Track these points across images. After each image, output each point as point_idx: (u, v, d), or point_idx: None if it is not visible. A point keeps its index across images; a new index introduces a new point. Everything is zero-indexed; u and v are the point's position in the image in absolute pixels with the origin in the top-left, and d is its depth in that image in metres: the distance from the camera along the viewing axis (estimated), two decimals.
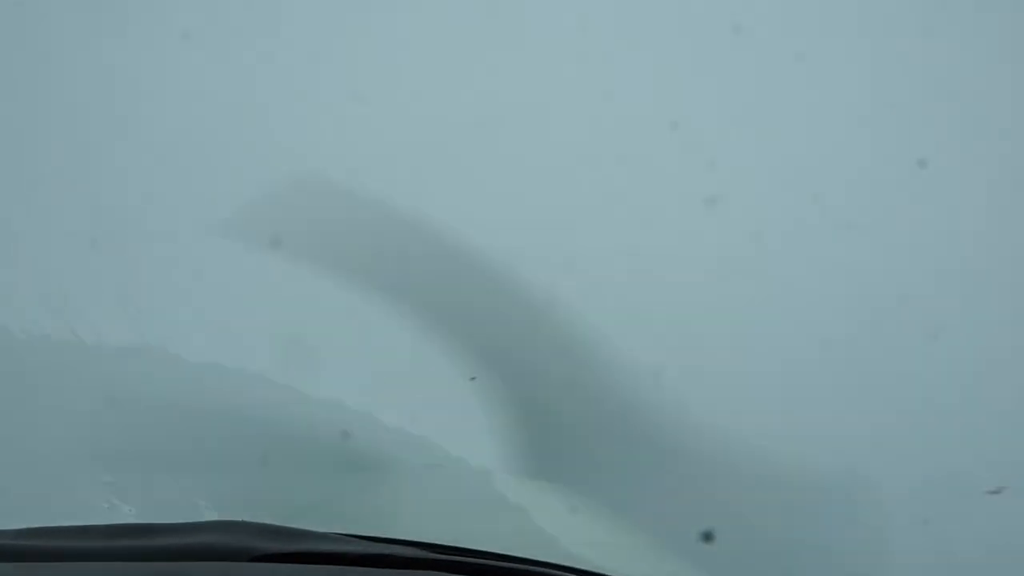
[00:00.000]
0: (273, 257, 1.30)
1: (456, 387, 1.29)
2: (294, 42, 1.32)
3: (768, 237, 1.25)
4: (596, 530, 1.25)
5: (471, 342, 1.31)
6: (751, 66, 1.26)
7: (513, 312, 1.31)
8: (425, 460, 1.31)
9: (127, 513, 1.25)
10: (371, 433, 1.30)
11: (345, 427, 1.29)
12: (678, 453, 1.27)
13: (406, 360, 1.31)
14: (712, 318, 1.27)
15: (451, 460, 1.30)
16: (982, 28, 1.21)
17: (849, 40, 1.24)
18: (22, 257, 1.35)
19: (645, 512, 1.27)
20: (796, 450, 1.24)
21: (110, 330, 1.34)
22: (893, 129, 1.24)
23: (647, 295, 1.29)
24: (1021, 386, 1.19)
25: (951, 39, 1.21)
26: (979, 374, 1.21)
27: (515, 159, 1.31)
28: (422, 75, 1.32)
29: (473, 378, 1.28)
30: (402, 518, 1.25)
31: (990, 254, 1.22)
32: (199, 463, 1.29)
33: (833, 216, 1.25)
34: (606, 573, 0.75)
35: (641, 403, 1.28)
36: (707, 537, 1.20)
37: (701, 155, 1.26)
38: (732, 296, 1.27)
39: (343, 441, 1.28)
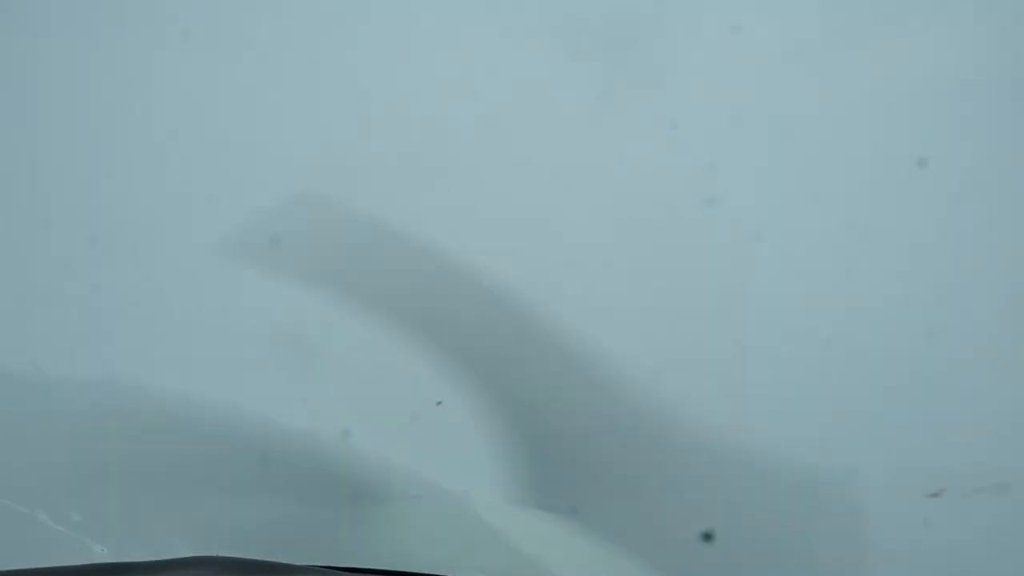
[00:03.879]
0: (270, 261, 1.30)
1: (445, 393, 1.28)
2: (295, 40, 1.32)
3: (768, 237, 1.25)
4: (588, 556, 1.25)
5: (469, 342, 1.31)
6: (751, 66, 1.26)
7: (513, 312, 1.31)
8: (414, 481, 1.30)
9: (99, 552, 1.23)
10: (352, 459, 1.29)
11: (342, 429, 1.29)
12: (678, 453, 1.27)
13: (399, 368, 1.30)
14: (712, 318, 1.27)
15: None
16: (982, 28, 1.21)
17: (849, 40, 1.24)
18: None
19: (645, 512, 1.27)
20: (796, 450, 1.24)
21: (75, 362, 1.31)
22: (893, 129, 1.24)
23: (647, 295, 1.29)
24: (1021, 386, 1.20)
25: (951, 39, 1.22)
26: (979, 374, 1.21)
27: (513, 159, 1.31)
28: (422, 75, 1.31)
29: (439, 403, 1.26)
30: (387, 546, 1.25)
31: (990, 254, 1.22)
32: (172, 499, 1.27)
33: (833, 216, 1.25)
34: None
35: (641, 403, 1.28)
36: (707, 537, 1.20)
37: (701, 155, 1.26)
38: (732, 296, 1.27)
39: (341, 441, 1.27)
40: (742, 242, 1.26)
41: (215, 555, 0.73)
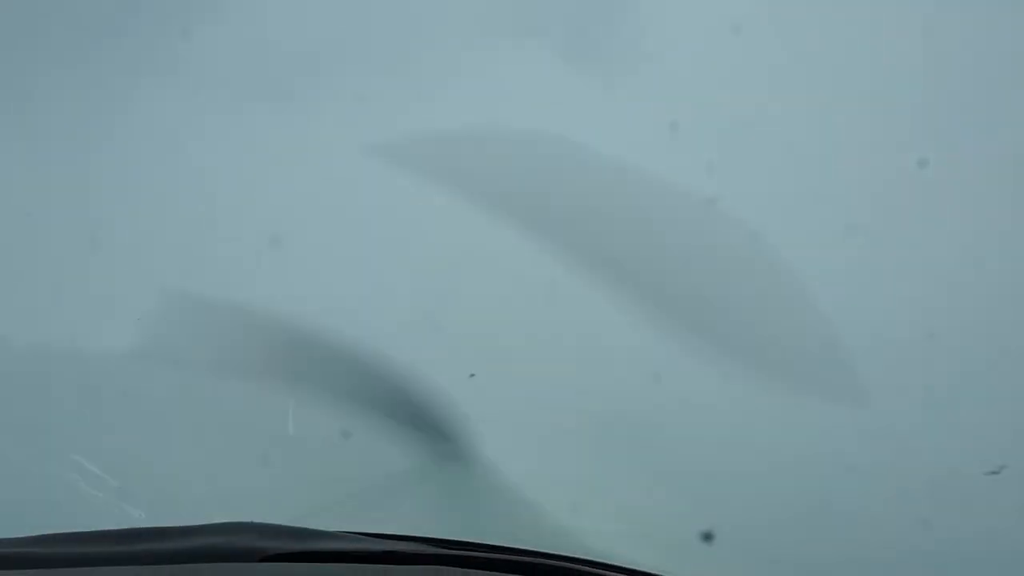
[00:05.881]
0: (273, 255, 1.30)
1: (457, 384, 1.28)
2: (296, 39, 1.32)
3: (768, 237, 1.25)
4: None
5: (469, 342, 1.31)
6: (751, 66, 1.26)
7: (512, 312, 1.31)
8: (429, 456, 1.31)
9: (137, 517, 1.25)
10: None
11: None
12: (678, 453, 1.27)
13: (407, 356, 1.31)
14: (712, 318, 1.27)
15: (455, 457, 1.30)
16: (982, 28, 1.21)
17: (849, 40, 1.24)
18: (18, 266, 1.34)
19: (645, 512, 1.27)
20: (796, 450, 1.24)
21: (109, 336, 1.32)
22: (893, 129, 1.24)
23: (647, 295, 1.29)
24: (1021, 385, 1.20)
25: (951, 39, 1.22)
26: (978, 374, 1.21)
27: (512, 159, 1.31)
28: (422, 74, 1.32)
29: (472, 375, 1.27)
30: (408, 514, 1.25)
31: (990, 254, 1.22)
32: (205, 465, 1.28)
33: (833, 216, 1.25)
34: (615, 563, 0.75)
35: (641, 403, 1.28)
36: (707, 537, 1.20)
37: (701, 155, 1.26)
38: (732, 296, 1.27)
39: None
40: (742, 242, 1.26)
41: (249, 521, 0.74)
